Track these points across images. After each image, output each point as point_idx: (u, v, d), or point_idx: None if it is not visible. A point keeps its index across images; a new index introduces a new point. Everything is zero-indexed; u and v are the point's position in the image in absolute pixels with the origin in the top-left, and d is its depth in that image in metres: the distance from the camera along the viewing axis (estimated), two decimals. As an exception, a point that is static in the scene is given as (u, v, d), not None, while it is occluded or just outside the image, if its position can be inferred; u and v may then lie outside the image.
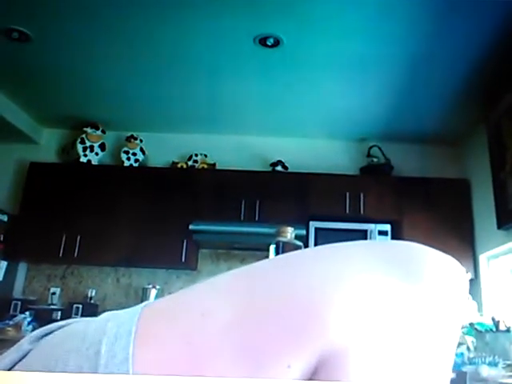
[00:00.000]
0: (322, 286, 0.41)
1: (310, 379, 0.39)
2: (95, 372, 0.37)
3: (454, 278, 0.46)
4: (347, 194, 4.88)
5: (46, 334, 0.44)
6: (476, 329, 3.28)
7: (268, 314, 0.40)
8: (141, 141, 5.30)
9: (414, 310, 0.42)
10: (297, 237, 1.77)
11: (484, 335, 3.34)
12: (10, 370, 0.42)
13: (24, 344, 0.43)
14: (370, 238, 4.71)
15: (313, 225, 4.80)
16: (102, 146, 5.30)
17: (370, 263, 0.45)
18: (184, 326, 0.41)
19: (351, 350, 0.39)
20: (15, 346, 0.44)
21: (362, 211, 4.84)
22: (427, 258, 0.47)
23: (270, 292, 0.42)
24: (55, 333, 0.44)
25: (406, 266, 0.45)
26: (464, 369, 2.74)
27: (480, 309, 3.92)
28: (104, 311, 1.94)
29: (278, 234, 1.72)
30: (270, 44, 3.76)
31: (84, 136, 5.22)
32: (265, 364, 0.39)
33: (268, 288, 0.43)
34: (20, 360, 0.43)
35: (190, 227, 4.70)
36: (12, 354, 0.43)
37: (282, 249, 1.69)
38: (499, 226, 4.10)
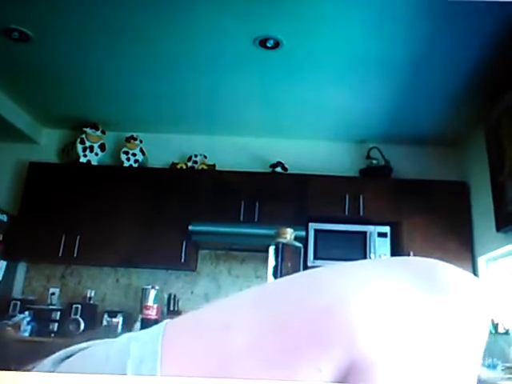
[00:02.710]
0: (348, 295, 0.41)
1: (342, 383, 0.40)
2: None
3: (479, 296, 0.46)
4: (347, 196, 4.88)
5: (67, 357, 0.43)
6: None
7: (295, 321, 0.40)
8: (140, 141, 5.30)
9: (439, 323, 0.42)
10: (296, 238, 1.77)
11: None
12: None
13: (45, 366, 0.42)
14: (370, 240, 4.72)
15: (312, 226, 4.81)
16: (102, 147, 5.30)
17: (397, 275, 0.45)
18: (209, 340, 0.40)
19: (378, 358, 0.39)
20: (35, 369, 0.43)
21: (361, 213, 4.85)
22: (451, 274, 0.47)
23: (296, 300, 0.42)
24: (77, 355, 0.43)
25: (432, 280, 0.45)
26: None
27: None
28: (103, 311, 1.95)
29: (278, 235, 1.73)
30: (269, 45, 3.76)
31: (84, 136, 5.22)
32: (296, 367, 0.39)
33: (294, 297, 0.43)
34: None
35: (190, 228, 4.71)
36: None
37: (282, 250, 1.70)
38: (498, 229, 4.10)
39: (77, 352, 0.43)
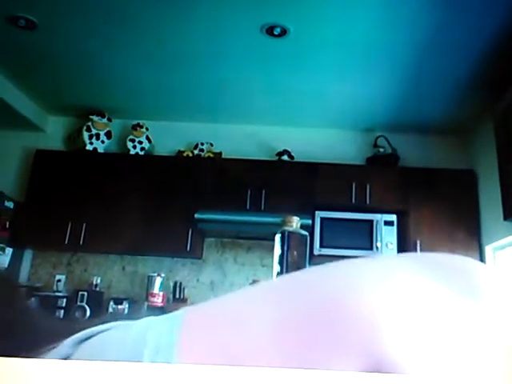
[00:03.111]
0: (372, 291, 0.39)
1: None
2: None
3: None
4: (353, 184, 4.87)
5: (87, 338, 0.42)
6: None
7: (314, 320, 0.38)
8: (147, 129, 5.30)
9: (473, 330, 0.39)
10: (302, 226, 1.77)
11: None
12: None
13: (64, 348, 0.42)
14: (376, 229, 4.71)
15: (318, 214, 4.80)
16: (108, 134, 5.30)
17: (425, 272, 0.42)
18: (226, 335, 0.40)
19: (405, 361, 0.37)
20: (54, 350, 0.43)
21: (367, 201, 4.84)
22: (490, 278, 0.44)
23: (316, 297, 0.40)
24: (94, 338, 0.42)
25: (468, 281, 0.42)
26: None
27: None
28: (109, 299, 1.95)
29: (284, 223, 1.72)
30: (276, 33, 3.75)
31: (90, 124, 5.23)
32: (314, 364, 0.37)
33: (313, 293, 0.41)
34: None
35: (196, 216, 4.70)
36: (52, 357, 0.42)
37: (288, 238, 1.69)
38: (505, 217, 4.08)
39: (96, 334, 0.43)
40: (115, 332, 0.42)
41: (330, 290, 0.41)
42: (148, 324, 0.41)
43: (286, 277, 0.48)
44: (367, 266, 0.45)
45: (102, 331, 0.43)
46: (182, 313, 0.42)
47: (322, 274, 0.44)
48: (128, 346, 0.39)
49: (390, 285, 0.40)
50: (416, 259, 0.46)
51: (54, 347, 0.44)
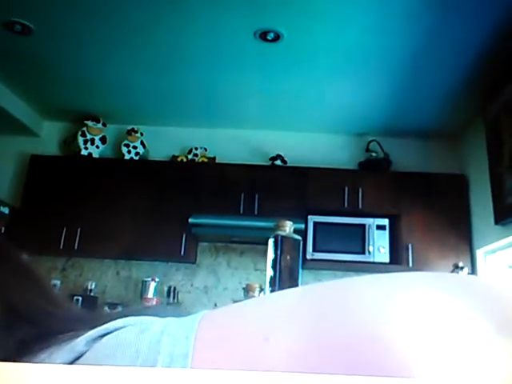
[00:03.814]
0: (398, 316, 0.37)
1: None
2: None
3: None
4: (346, 189, 4.90)
5: (102, 336, 0.42)
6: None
7: (336, 347, 0.36)
8: (141, 134, 5.32)
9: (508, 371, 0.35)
10: (295, 231, 1.78)
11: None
12: None
13: (79, 345, 0.41)
14: (369, 233, 4.74)
15: (311, 219, 4.83)
16: (103, 139, 5.32)
17: (464, 300, 0.38)
18: (243, 351, 0.38)
19: None
20: (69, 346, 0.42)
21: (360, 206, 4.86)
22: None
23: (338, 320, 0.38)
24: (109, 338, 0.41)
25: (505, 314, 0.38)
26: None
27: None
28: (104, 303, 1.97)
29: (277, 227, 1.74)
30: (270, 38, 3.78)
31: (85, 129, 5.24)
32: None
33: (336, 317, 0.38)
34: (72, 362, 0.41)
35: (190, 220, 4.72)
36: (65, 354, 0.42)
37: (281, 243, 1.71)
38: (496, 221, 4.11)
39: (112, 331, 0.42)
40: (131, 333, 0.41)
41: (361, 317, 0.38)
42: (164, 329, 0.40)
43: (310, 291, 0.44)
44: (396, 290, 0.41)
45: (118, 329, 0.42)
46: (199, 319, 0.41)
47: (349, 293, 0.41)
48: (143, 351, 0.39)
49: (423, 317, 0.37)
50: (454, 282, 0.42)
51: (72, 336, 0.44)
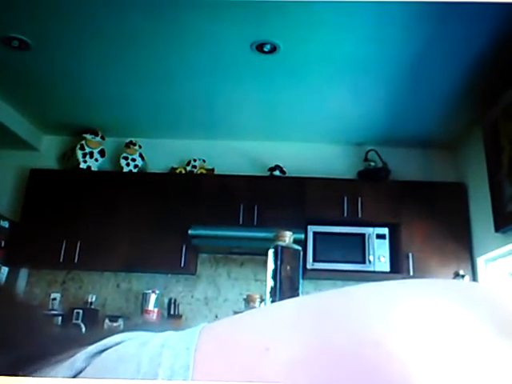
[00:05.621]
0: (400, 327, 0.37)
1: None
2: None
3: None
4: (345, 198, 4.90)
5: (101, 351, 0.41)
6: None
7: (338, 354, 0.36)
8: (140, 147, 5.33)
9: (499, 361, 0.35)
10: (295, 241, 1.79)
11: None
12: None
13: (78, 361, 0.41)
14: (368, 242, 4.74)
15: (311, 229, 4.83)
16: (102, 153, 5.32)
17: (469, 307, 0.38)
18: (246, 361, 0.37)
19: None
20: (68, 363, 0.41)
21: (359, 215, 4.86)
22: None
23: (339, 328, 0.38)
24: (109, 353, 0.41)
25: (498, 314, 0.39)
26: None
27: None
28: (104, 316, 1.95)
29: (277, 238, 1.74)
30: (266, 50, 3.78)
31: (83, 142, 5.24)
32: None
33: (338, 325, 0.38)
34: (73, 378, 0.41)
35: (190, 232, 4.72)
36: (64, 371, 0.41)
37: (281, 253, 1.71)
38: (496, 229, 4.11)
39: (112, 346, 0.41)
40: (131, 347, 0.41)
41: (363, 324, 0.38)
42: (164, 342, 0.40)
43: (311, 300, 0.44)
44: (399, 299, 0.40)
45: (117, 343, 0.42)
46: (199, 331, 0.41)
47: (350, 301, 0.41)
48: (144, 364, 0.38)
49: (424, 327, 0.37)
50: (453, 288, 0.43)
51: (65, 357, 0.43)
